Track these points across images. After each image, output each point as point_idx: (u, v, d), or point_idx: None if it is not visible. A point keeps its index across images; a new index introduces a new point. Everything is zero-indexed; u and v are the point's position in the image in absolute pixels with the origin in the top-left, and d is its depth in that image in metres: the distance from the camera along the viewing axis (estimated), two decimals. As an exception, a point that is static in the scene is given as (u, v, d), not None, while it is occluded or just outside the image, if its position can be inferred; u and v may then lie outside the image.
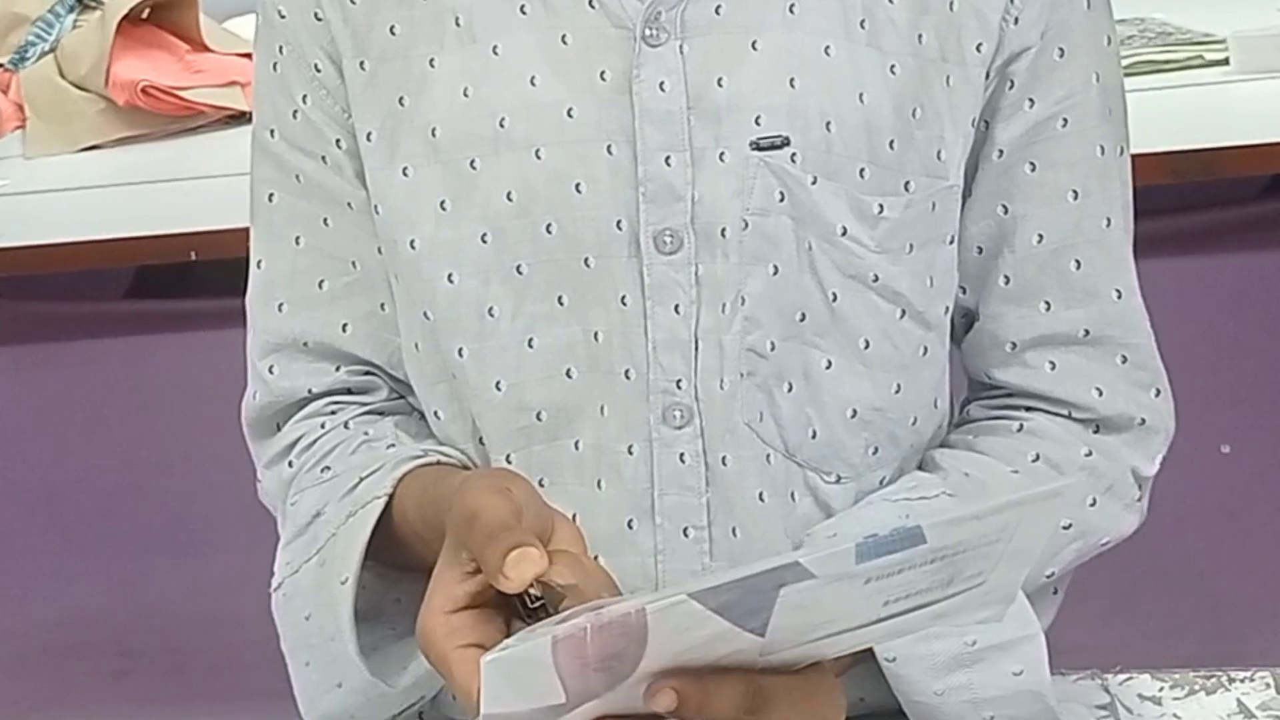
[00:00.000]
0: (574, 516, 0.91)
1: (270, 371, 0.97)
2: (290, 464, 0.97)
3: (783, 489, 0.91)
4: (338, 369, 0.97)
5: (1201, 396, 1.97)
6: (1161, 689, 0.90)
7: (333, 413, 0.97)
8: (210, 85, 2.21)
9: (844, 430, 0.91)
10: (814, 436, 0.91)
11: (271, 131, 0.96)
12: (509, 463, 0.92)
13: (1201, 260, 2.02)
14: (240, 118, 2.19)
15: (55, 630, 2.06)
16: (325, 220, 0.96)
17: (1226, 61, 2.00)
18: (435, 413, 0.95)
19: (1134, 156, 1.84)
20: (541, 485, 0.92)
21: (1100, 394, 0.93)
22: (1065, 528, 0.90)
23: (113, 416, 2.11)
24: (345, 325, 0.96)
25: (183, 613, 2.04)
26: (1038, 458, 0.91)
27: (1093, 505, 0.91)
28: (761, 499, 0.90)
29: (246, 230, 1.01)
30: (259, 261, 0.98)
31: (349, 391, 0.98)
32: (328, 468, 0.94)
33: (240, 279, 1.02)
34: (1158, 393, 0.95)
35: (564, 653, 0.63)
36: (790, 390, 0.90)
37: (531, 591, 0.69)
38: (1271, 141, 1.82)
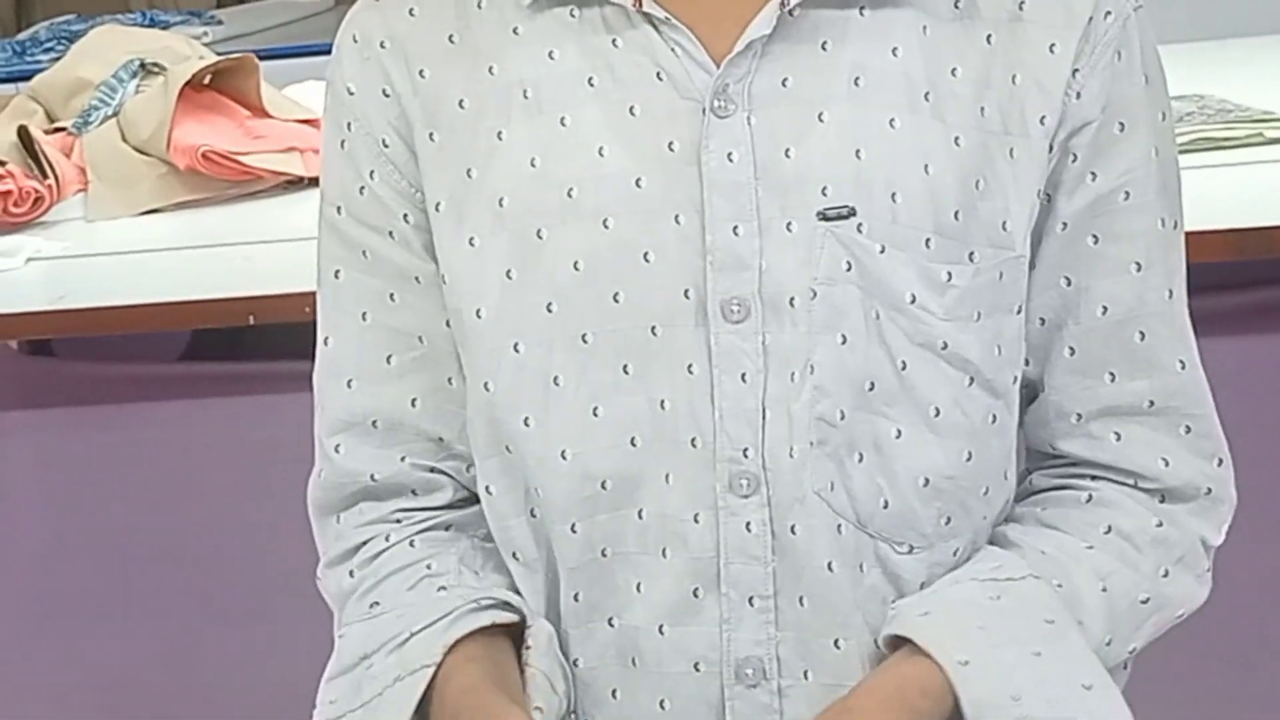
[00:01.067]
0: (638, 585, 0.91)
1: (337, 451, 0.97)
2: (351, 573, 0.97)
3: (852, 559, 0.90)
4: (403, 459, 0.97)
5: (1265, 474, 1.95)
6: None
7: (398, 521, 0.97)
8: (270, 151, 2.23)
9: (916, 500, 0.91)
10: (886, 506, 0.91)
11: (339, 208, 0.97)
12: (573, 532, 0.92)
13: (1265, 338, 2.00)
14: (299, 183, 2.21)
15: (98, 693, 2.06)
16: (391, 295, 0.96)
17: (1288, 139, 1.99)
18: (488, 488, 0.95)
19: (1198, 233, 1.83)
20: (604, 555, 0.91)
21: (1166, 464, 0.93)
22: (1143, 602, 0.90)
23: (166, 479, 2.11)
24: (414, 400, 0.96)
25: (230, 682, 2.03)
26: (1109, 529, 0.91)
27: (1165, 576, 0.91)
28: (830, 569, 0.90)
29: (304, 295, 1.01)
30: (326, 339, 0.98)
31: (413, 493, 0.97)
32: (377, 603, 0.94)
33: (296, 343, 1.03)
34: (1220, 462, 0.95)
35: None
36: (861, 460, 0.90)
37: None
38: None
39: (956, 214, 0.90)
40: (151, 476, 2.11)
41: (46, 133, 2.27)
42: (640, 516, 0.91)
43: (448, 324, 0.95)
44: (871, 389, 0.90)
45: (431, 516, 0.98)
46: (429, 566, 0.96)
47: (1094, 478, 0.95)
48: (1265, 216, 1.82)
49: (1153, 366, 0.93)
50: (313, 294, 1.02)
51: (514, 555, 0.95)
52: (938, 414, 0.91)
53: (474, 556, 0.97)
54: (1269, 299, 2.02)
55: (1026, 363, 0.95)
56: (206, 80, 2.26)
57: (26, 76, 2.58)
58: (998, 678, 0.81)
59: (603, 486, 0.91)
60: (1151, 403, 0.93)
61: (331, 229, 0.98)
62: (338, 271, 0.98)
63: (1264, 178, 1.95)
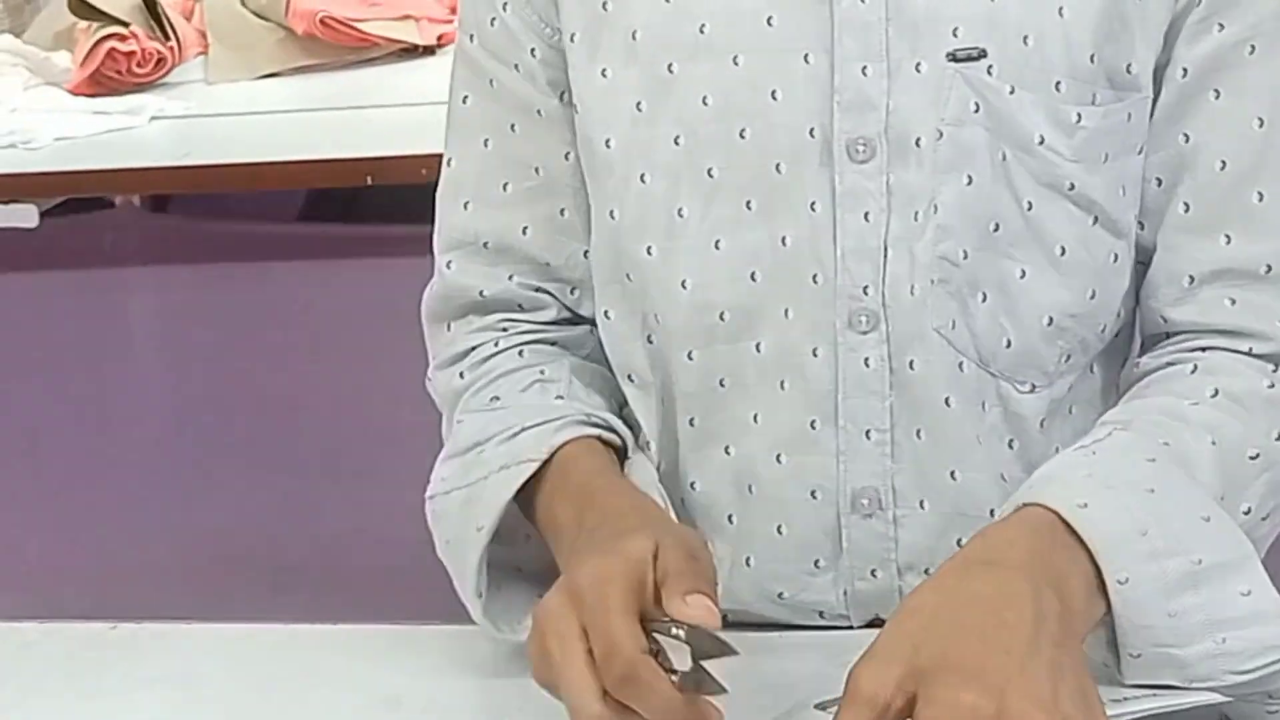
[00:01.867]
0: (755, 416, 0.93)
1: (449, 266, 1.00)
2: (461, 375, 1.00)
3: (974, 397, 0.91)
4: (510, 277, 1.00)
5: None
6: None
7: (504, 329, 1.00)
8: (386, 19, 2.25)
9: (1040, 339, 0.91)
10: (1009, 346, 0.91)
11: (471, 37, 0.99)
12: (690, 360, 0.93)
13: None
14: (414, 50, 2.23)
15: (218, 540, 2.12)
16: (513, 126, 0.98)
17: None
18: (606, 312, 0.97)
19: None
20: (722, 385, 0.93)
21: None
22: (1253, 458, 0.88)
23: (283, 338, 2.16)
24: (525, 228, 0.99)
25: (342, 530, 2.08)
26: (1217, 392, 0.89)
27: (1278, 440, 0.90)
28: (948, 404, 0.91)
29: (421, 158, 1.03)
30: (449, 160, 1.01)
31: (520, 308, 1.00)
32: (497, 397, 0.97)
33: (411, 207, 1.05)
34: None
35: None
36: (985, 300, 0.91)
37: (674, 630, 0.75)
38: None
39: (1092, 57, 0.89)
40: (268, 334, 2.15)
41: (168, -5, 2.30)
42: (758, 350, 0.92)
43: (566, 157, 0.97)
44: (996, 230, 0.90)
45: (537, 330, 1.00)
46: (542, 372, 0.97)
47: (1204, 348, 0.92)
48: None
49: (1271, 229, 0.90)
50: (429, 157, 1.04)
51: (629, 378, 0.97)
52: (1063, 253, 0.91)
53: (583, 372, 1.00)
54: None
55: (1140, 226, 0.94)
56: (325, -54, 2.28)
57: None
58: (1118, 515, 0.79)
59: (721, 318, 0.92)
60: (1269, 267, 0.91)
61: (464, 56, 1.00)
62: (466, 97, 1.00)
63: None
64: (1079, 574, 0.77)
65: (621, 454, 0.95)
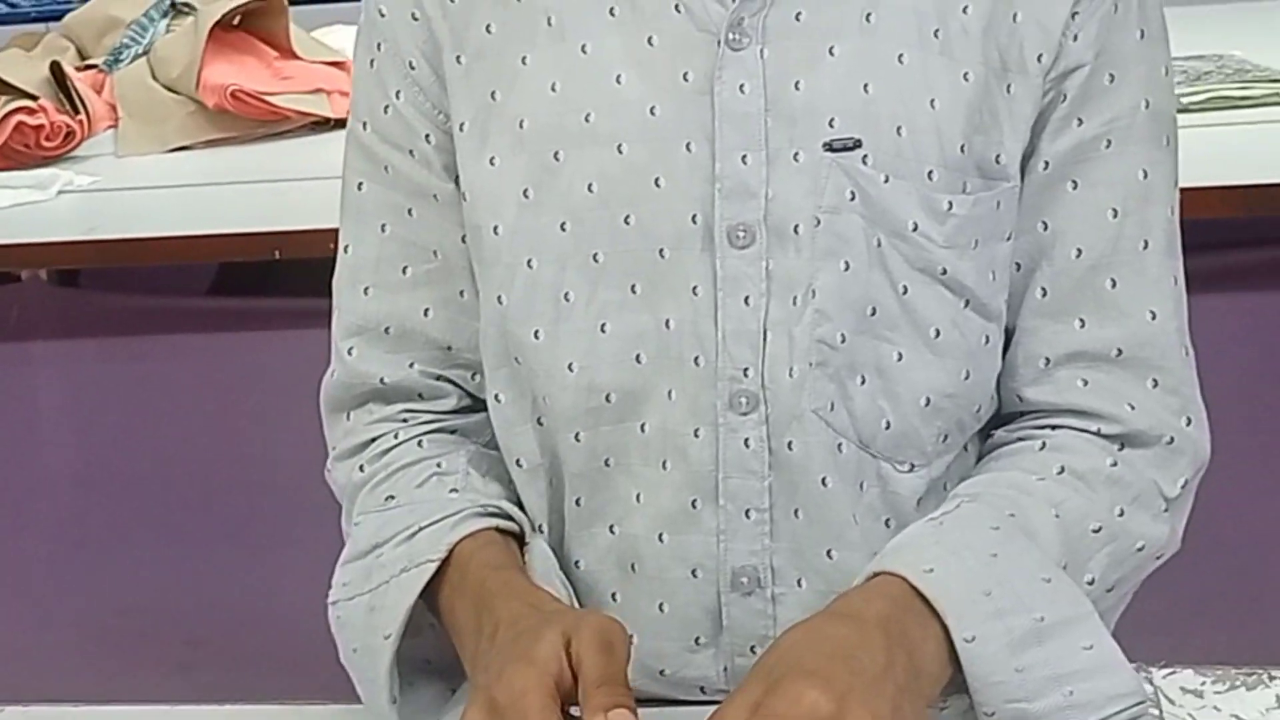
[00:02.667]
0: (638, 496, 0.94)
1: (350, 353, 1.01)
2: (361, 468, 1.01)
3: (852, 477, 0.94)
4: (412, 365, 1.01)
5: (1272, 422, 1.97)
6: (1204, 683, 0.91)
7: (405, 420, 1.01)
8: (297, 92, 2.27)
9: (918, 419, 0.94)
10: (888, 427, 0.94)
11: (365, 124, 1.00)
12: (577, 441, 0.95)
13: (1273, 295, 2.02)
14: (325, 124, 2.25)
15: (125, 617, 2.10)
16: (410, 210, 1.00)
17: (1303, 99, 2.01)
18: (496, 395, 0.98)
19: (1207, 189, 1.85)
20: (607, 464, 0.95)
21: (1132, 409, 0.94)
22: (1095, 531, 0.91)
23: (191, 411, 2.15)
24: (427, 310, 1.00)
25: (251, 607, 2.07)
26: (1063, 469, 0.93)
27: (1120, 515, 0.93)
28: (825, 484, 0.93)
29: (329, 232, 1.05)
30: (346, 247, 1.02)
31: (420, 396, 1.01)
32: (392, 495, 0.98)
33: (320, 280, 1.06)
34: (1189, 421, 0.96)
35: None
36: (863, 383, 0.93)
37: None
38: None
39: (962, 147, 0.92)
40: (176, 407, 2.14)
41: (78, 69, 2.31)
42: (643, 430, 0.94)
43: (463, 240, 0.99)
44: (873, 314, 0.93)
45: (437, 420, 1.02)
46: (439, 465, 0.98)
47: (1054, 427, 0.96)
48: (1275, 174, 1.84)
49: (1122, 314, 0.94)
50: (337, 231, 1.06)
51: (518, 462, 0.99)
52: (938, 335, 0.94)
53: (480, 461, 1.01)
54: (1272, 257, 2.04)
55: None
56: (236, 21, 2.30)
57: (59, 15, 2.61)
58: (963, 578, 0.83)
59: (607, 399, 0.94)
60: (1120, 351, 0.94)
61: (357, 144, 1.02)
62: (361, 184, 1.01)
63: (1277, 137, 1.97)
64: (931, 638, 0.80)
65: (521, 538, 0.97)
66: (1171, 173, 0.96)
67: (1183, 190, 1.79)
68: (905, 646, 0.78)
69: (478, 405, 1.02)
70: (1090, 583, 0.90)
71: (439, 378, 1.02)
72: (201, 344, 2.16)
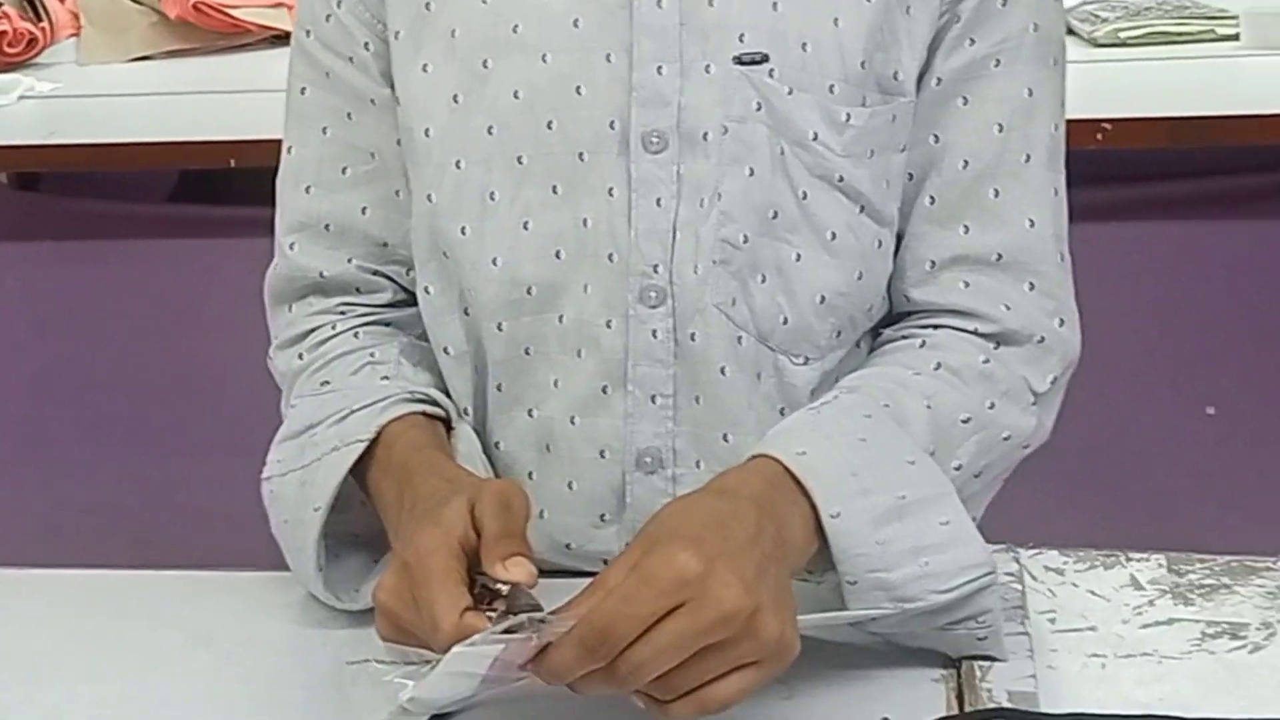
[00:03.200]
0: (555, 382, 1.01)
1: (292, 248, 1.07)
2: (300, 356, 1.07)
3: (750, 368, 1.00)
4: (350, 260, 1.07)
5: (1188, 356, 2.05)
6: (1066, 563, 0.99)
7: (343, 312, 1.07)
8: (258, 5, 2.30)
9: (813, 315, 1.01)
10: (785, 322, 1.00)
11: (308, 32, 1.06)
12: (500, 330, 1.02)
13: (1205, 224, 2.08)
14: (285, 37, 2.28)
15: (83, 517, 2.15)
16: (349, 114, 1.06)
17: (1237, 37, 2.06)
18: (426, 288, 1.04)
19: (1136, 120, 1.91)
20: (527, 353, 1.01)
21: (1008, 309, 1.01)
22: (965, 421, 0.98)
23: (148, 315, 2.20)
24: (365, 209, 1.06)
25: (204, 509, 2.13)
26: (939, 365, 0.99)
27: (991, 408, 0.99)
28: (724, 373, 1.00)
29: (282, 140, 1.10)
30: (289, 148, 1.08)
31: (357, 290, 1.08)
32: (327, 381, 1.04)
33: (274, 191, 1.11)
34: (1061, 322, 1.02)
35: (510, 652, 0.78)
36: (764, 281, 1.00)
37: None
38: (1273, 113, 1.89)
39: (862, 63, 0.98)
40: (133, 312, 2.19)
41: (43, -23, 2.34)
42: (560, 321, 1.00)
43: (399, 143, 1.05)
44: (775, 217, 0.99)
45: (373, 313, 1.08)
46: (372, 355, 1.04)
47: (936, 326, 1.01)
48: (1202, 107, 1.90)
49: (1003, 222, 1.00)
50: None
51: (445, 350, 1.04)
52: (834, 238, 1.00)
53: (412, 351, 1.07)
54: (1211, 188, 2.10)
55: None
56: (199, -67, 2.33)
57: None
58: (833, 460, 0.89)
59: (528, 292, 1.00)
60: (1000, 255, 0.99)
61: (301, 50, 1.07)
62: (304, 89, 1.07)
63: (1209, 73, 2.03)
64: (799, 515, 0.86)
65: (448, 423, 1.03)
66: (1057, 91, 1.02)
67: (1113, 121, 1.85)
68: (774, 520, 0.84)
69: (411, 300, 1.08)
70: (958, 468, 0.97)
71: (375, 273, 1.07)
72: (159, 250, 2.20)
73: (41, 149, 1.96)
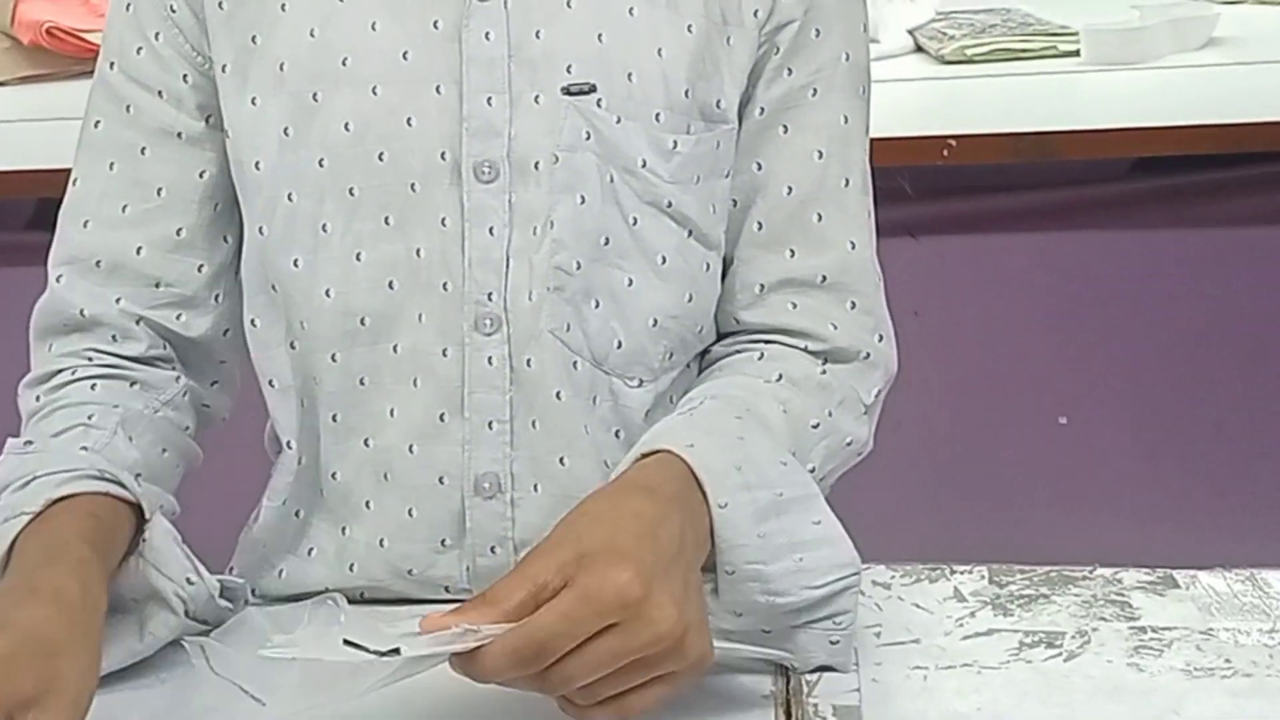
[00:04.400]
0: (391, 411, 1.02)
1: (59, 280, 1.06)
2: (38, 398, 1.04)
3: (586, 392, 1.02)
4: (118, 300, 1.05)
5: (1034, 367, 2.10)
6: (892, 577, 1.02)
7: (89, 359, 1.05)
8: (115, 30, 2.28)
9: (646, 338, 1.03)
10: (619, 346, 1.03)
11: (112, 64, 1.07)
12: (334, 361, 1.03)
13: (1053, 236, 2.14)
14: (142, 62, 2.27)
15: None
16: (143, 149, 1.05)
17: (1078, 53, 2.12)
18: (253, 320, 1.05)
19: (980, 136, 1.96)
20: (362, 384, 1.03)
21: (835, 328, 1.05)
22: (814, 427, 1.01)
23: (14, 344, 2.17)
24: (140, 248, 1.06)
25: None
26: (780, 376, 1.02)
27: (830, 415, 1.03)
28: (559, 398, 1.02)
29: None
30: (75, 180, 1.08)
31: (113, 338, 1.05)
32: (31, 441, 1.00)
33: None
34: (881, 338, 1.06)
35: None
36: (597, 306, 1.02)
37: None
38: (1112, 128, 1.95)
39: (686, 92, 1.01)
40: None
41: (-107, 3, 2.30)
42: (395, 350, 1.02)
43: (201, 175, 1.05)
44: (606, 243, 1.01)
45: (120, 365, 1.04)
46: (90, 417, 1.01)
47: (767, 341, 1.04)
48: (1044, 122, 1.96)
49: (826, 245, 1.04)
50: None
51: (270, 382, 1.05)
52: (664, 262, 1.03)
53: (137, 422, 1.03)
54: (1057, 200, 2.16)
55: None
56: (53, -43, 2.30)
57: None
58: (719, 454, 0.90)
59: (362, 323, 1.02)
60: (824, 277, 1.04)
61: (102, 82, 1.07)
62: (98, 122, 1.07)
63: (1051, 88, 2.08)
64: (704, 512, 0.89)
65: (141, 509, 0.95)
66: (866, 118, 1.07)
67: (959, 137, 1.90)
68: (692, 523, 0.87)
69: (168, 356, 1.07)
70: (811, 470, 1.00)
71: (140, 320, 1.06)
72: (18, 278, 2.17)
73: (-108, 178, 1.93)
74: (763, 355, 1.05)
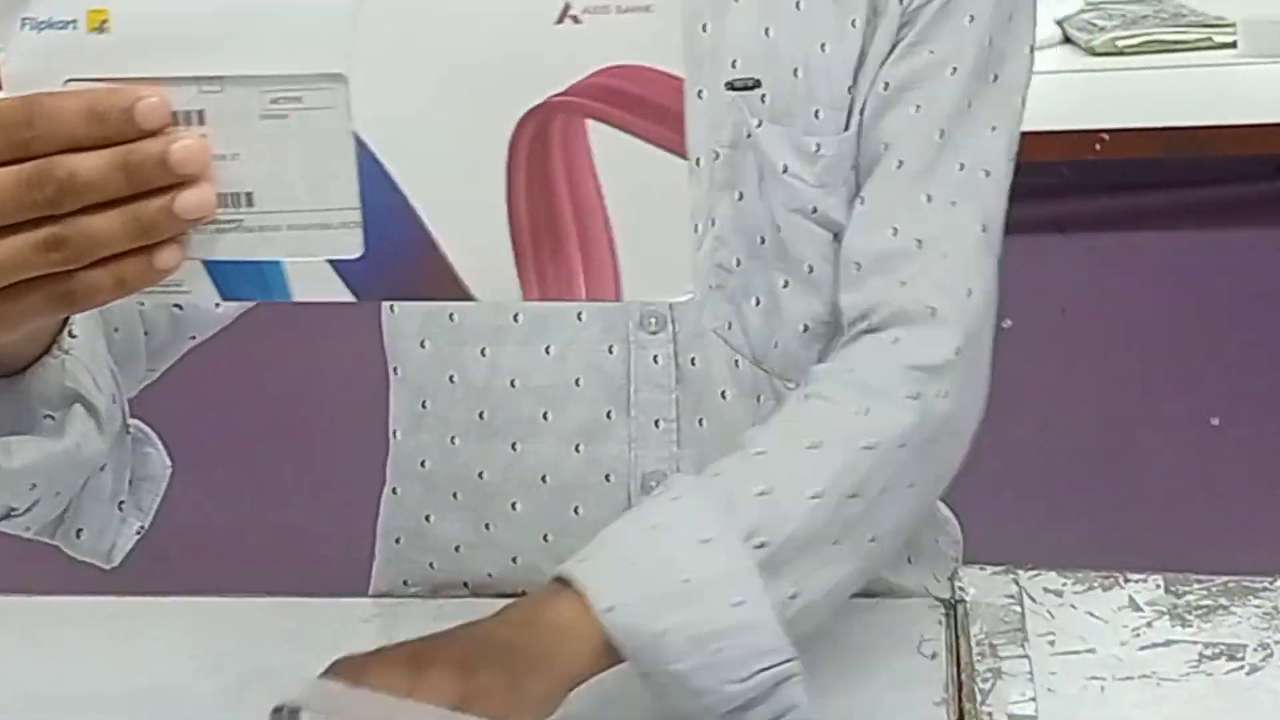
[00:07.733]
0: (545, 414, 1.01)
1: None
2: None
3: (750, 391, 1.01)
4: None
5: (1189, 367, 2.05)
6: (1064, 584, 1.00)
7: None
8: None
9: (798, 343, 1.01)
10: (776, 347, 1.01)
11: None
12: (483, 356, 1.02)
13: (1203, 234, 2.09)
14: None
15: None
16: None
17: (1235, 45, 2.07)
18: (391, 306, 1.04)
19: (1130, 131, 1.91)
20: (513, 385, 1.02)
21: (903, 285, 0.95)
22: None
23: None
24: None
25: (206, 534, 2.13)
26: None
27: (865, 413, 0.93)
28: (724, 397, 1.00)
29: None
30: None
31: None
32: None
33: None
34: (969, 292, 0.96)
35: None
36: (757, 304, 1.00)
37: None
38: (1271, 122, 1.89)
39: (849, 88, 0.99)
40: None
41: None
42: (547, 352, 1.01)
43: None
44: (762, 242, 1.00)
45: None
46: None
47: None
48: (1201, 116, 1.90)
49: (929, 222, 0.95)
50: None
51: (394, 370, 1.04)
52: (811, 271, 1.00)
53: None
54: (1209, 198, 2.11)
55: None
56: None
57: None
58: (611, 554, 0.86)
59: (515, 319, 1.01)
60: (920, 242, 0.95)
61: None
62: None
63: (1206, 81, 2.03)
64: (579, 618, 0.84)
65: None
66: (999, 105, 0.99)
67: (1111, 131, 1.85)
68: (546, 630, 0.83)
69: None
70: (814, 496, 0.89)
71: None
72: None
73: None
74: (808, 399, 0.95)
